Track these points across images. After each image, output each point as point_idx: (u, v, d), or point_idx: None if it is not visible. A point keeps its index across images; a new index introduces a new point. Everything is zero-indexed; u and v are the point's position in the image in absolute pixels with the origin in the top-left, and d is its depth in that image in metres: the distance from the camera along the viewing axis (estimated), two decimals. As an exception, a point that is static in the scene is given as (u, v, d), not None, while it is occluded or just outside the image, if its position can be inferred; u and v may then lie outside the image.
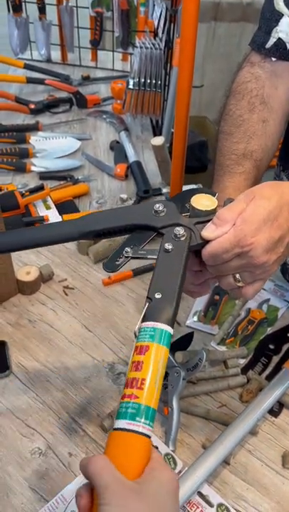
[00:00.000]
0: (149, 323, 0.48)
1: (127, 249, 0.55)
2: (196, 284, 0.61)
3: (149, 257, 0.55)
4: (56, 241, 0.59)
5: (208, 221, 0.54)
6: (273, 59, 0.74)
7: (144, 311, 0.50)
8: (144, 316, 0.49)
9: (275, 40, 0.73)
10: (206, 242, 0.54)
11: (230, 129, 0.75)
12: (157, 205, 0.56)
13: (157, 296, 0.50)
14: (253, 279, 0.56)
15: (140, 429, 0.42)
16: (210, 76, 2.74)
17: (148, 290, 0.51)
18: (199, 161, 1.57)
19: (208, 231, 0.54)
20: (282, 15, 0.72)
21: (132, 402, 0.43)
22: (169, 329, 0.48)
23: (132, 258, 0.55)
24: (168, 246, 0.53)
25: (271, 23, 0.73)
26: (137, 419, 0.42)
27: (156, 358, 0.46)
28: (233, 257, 0.53)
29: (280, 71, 0.74)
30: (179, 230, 0.54)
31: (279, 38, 0.72)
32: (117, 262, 0.55)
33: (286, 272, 0.90)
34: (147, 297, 0.50)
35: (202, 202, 0.56)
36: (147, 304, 0.50)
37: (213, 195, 0.58)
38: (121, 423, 0.42)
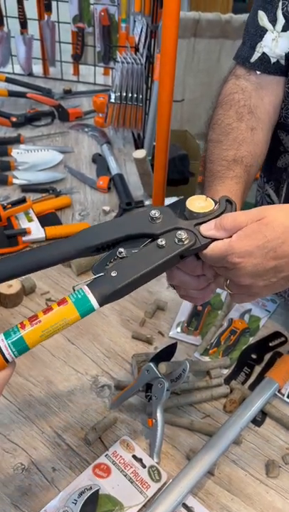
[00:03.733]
0: (86, 288, 0.50)
1: (121, 249, 0.53)
2: (199, 290, 0.60)
3: None
4: (54, 263, 0.55)
5: (209, 220, 0.54)
6: (258, 72, 0.76)
7: (94, 277, 0.51)
8: (91, 281, 0.50)
9: (259, 54, 0.75)
10: (209, 243, 0.53)
11: (218, 137, 0.75)
12: (153, 212, 0.54)
13: (113, 273, 0.50)
14: (239, 292, 0.56)
15: (3, 349, 0.47)
16: (191, 91, 2.78)
17: (114, 264, 0.52)
18: (181, 174, 1.59)
19: (205, 227, 0.53)
20: (267, 30, 0.74)
21: (19, 329, 0.48)
22: (95, 304, 0.49)
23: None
24: (162, 242, 0.52)
25: (256, 38, 0.75)
26: (9, 342, 0.47)
27: (63, 315, 0.48)
28: (221, 266, 0.54)
29: (265, 83, 0.76)
30: (181, 234, 0.52)
31: (263, 53, 0.74)
32: (107, 266, 0.52)
33: None
34: (107, 269, 0.51)
35: (197, 204, 0.55)
36: (101, 274, 0.51)
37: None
38: (0, 336, 0.48)
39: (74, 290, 0.50)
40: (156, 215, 0.54)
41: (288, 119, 0.76)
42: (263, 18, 0.74)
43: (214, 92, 0.81)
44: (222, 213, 0.55)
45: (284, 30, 0.72)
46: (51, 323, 0.48)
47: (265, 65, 0.75)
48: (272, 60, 0.74)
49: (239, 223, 0.52)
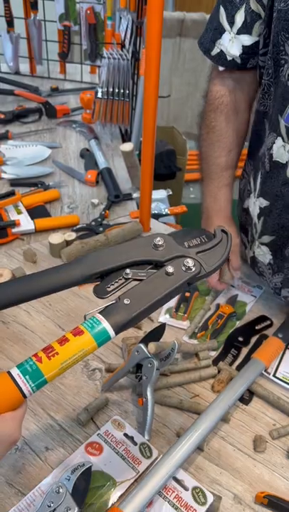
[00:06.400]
0: (100, 317, 0.50)
1: (128, 270, 0.54)
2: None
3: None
4: (60, 288, 0.54)
5: (209, 249, 0.57)
6: (221, 68, 0.84)
7: (106, 304, 0.51)
8: (103, 309, 0.51)
9: (218, 50, 0.82)
10: (213, 271, 0.56)
11: (211, 140, 0.88)
12: (157, 239, 0.56)
13: (126, 301, 0.51)
14: None
15: (21, 385, 0.46)
16: (177, 89, 2.81)
17: (125, 292, 0.52)
18: (168, 169, 1.61)
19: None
20: (225, 30, 0.79)
21: (35, 362, 0.47)
22: (111, 333, 0.49)
23: (133, 280, 0.54)
24: (170, 269, 0.54)
25: (216, 34, 0.81)
26: (27, 377, 0.46)
27: (81, 346, 0.48)
28: None
29: (239, 77, 0.84)
30: (189, 262, 0.54)
31: (221, 50, 0.81)
32: (108, 288, 0.53)
33: (255, 265, 0.94)
34: (118, 296, 0.52)
35: None
36: (113, 302, 0.51)
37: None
38: (14, 371, 0.47)
39: (85, 318, 0.50)
40: (160, 242, 0.56)
41: (270, 109, 0.79)
42: (222, 16, 0.79)
43: (200, 92, 0.90)
44: (219, 243, 0.58)
45: (239, 33, 0.78)
46: (69, 355, 0.47)
47: (222, 60, 0.82)
48: (228, 58, 0.81)
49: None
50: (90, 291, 0.94)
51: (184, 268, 0.54)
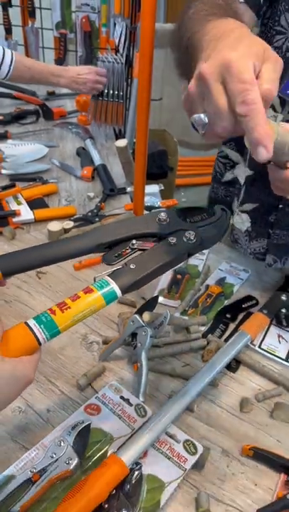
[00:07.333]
0: (109, 279, 0.56)
1: (134, 241, 0.59)
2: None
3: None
4: (74, 256, 0.59)
5: (209, 224, 0.62)
6: (241, 0, 0.76)
7: (114, 269, 0.57)
8: (111, 272, 0.57)
9: None
10: (210, 245, 0.61)
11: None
12: (162, 214, 0.61)
13: (132, 266, 0.57)
14: None
15: (37, 333, 0.51)
16: (168, 97, 2.90)
17: (131, 259, 0.58)
18: (160, 168, 1.68)
19: None
20: None
21: (49, 314, 0.52)
22: (118, 292, 0.55)
23: (138, 250, 0.59)
24: (172, 240, 0.59)
25: None
26: (42, 326, 0.52)
27: (91, 302, 0.53)
28: None
29: (241, 10, 0.76)
30: (191, 233, 0.60)
31: None
32: (116, 257, 0.59)
33: (230, 233, 1.00)
34: (125, 263, 0.58)
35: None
36: (120, 267, 0.57)
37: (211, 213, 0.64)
38: (31, 321, 0.52)
39: (95, 280, 0.56)
40: (164, 217, 0.61)
41: None
42: None
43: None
44: (219, 219, 0.63)
45: None
46: (81, 310, 0.53)
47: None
48: None
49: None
50: (87, 274, 1.00)
51: (185, 239, 0.60)
